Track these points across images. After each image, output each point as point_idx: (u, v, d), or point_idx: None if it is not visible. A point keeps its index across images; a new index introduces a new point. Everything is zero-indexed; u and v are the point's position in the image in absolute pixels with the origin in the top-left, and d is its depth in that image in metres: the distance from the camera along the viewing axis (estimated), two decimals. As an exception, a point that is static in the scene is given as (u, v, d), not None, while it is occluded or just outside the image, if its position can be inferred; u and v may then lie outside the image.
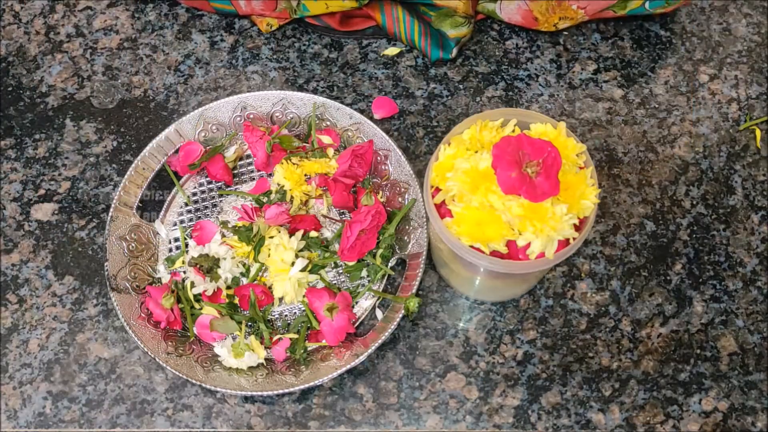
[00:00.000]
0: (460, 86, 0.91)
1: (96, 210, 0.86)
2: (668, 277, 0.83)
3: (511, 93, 0.91)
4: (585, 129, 0.89)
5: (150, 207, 0.84)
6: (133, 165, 0.83)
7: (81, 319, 0.81)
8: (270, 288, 0.80)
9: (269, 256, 0.79)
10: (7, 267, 0.83)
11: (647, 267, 0.83)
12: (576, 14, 0.87)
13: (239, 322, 0.78)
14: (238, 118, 0.86)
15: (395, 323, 0.76)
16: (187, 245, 0.82)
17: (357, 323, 0.80)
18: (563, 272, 0.83)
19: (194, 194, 0.85)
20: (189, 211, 0.85)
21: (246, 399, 0.78)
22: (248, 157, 0.87)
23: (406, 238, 0.81)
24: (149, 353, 0.75)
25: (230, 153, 0.86)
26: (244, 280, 0.80)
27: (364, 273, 0.81)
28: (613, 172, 0.87)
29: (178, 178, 0.85)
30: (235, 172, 0.86)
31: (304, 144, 0.85)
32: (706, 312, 0.81)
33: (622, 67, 0.92)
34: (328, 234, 0.83)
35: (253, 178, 0.86)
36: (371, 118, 0.87)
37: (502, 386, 0.78)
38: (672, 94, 0.91)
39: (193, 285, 0.78)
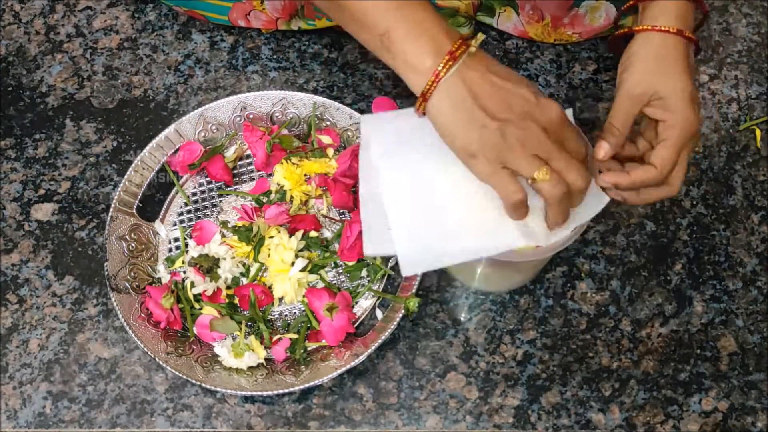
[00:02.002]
0: (460, 86, 0.91)
1: (96, 210, 0.86)
2: (668, 277, 0.83)
3: (511, 93, 0.91)
4: (585, 129, 0.89)
5: (150, 207, 0.84)
6: (133, 165, 0.83)
7: (81, 319, 0.81)
8: (270, 288, 0.80)
9: (269, 256, 0.79)
10: (7, 267, 0.83)
11: (647, 267, 0.83)
12: (571, 38, 0.88)
13: (239, 322, 0.78)
14: (238, 118, 0.86)
15: (395, 323, 0.76)
16: (187, 245, 0.82)
17: (357, 323, 0.80)
18: (563, 272, 0.83)
19: (194, 194, 0.85)
20: (189, 211, 0.85)
21: (246, 399, 0.77)
22: (248, 157, 0.87)
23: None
24: (149, 353, 0.75)
25: (230, 153, 0.86)
26: (244, 280, 0.80)
27: (364, 273, 0.81)
28: (613, 172, 0.87)
29: (178, 178, 0.85)
30: (235, 172, 0.86)
31: (304, 144, 0.85)
32: (706, 312, 0.81)
33: (622, 67, 0.92)
34: (328, 234, 0.83)
35: (253, 178, 0.86)
36: (371, 118, 0.87)
37: (502, 386, 0.78)
38: (672, 94, 0.91)
39: (193, 285, 0.78)
